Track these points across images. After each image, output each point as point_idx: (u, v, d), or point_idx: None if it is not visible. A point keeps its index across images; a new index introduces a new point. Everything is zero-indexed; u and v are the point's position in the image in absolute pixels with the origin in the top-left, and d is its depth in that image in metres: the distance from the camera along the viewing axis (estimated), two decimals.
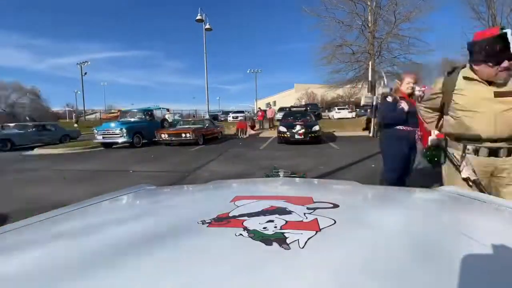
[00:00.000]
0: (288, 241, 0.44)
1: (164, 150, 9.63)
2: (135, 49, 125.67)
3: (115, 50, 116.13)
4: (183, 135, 10.52)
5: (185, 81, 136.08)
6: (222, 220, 0.55)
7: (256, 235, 0.47)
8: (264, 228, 0.50)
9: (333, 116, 26.05)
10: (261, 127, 18.40)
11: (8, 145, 10.96)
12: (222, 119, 27.20)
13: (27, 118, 16.93)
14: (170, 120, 13.83)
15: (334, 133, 14.81)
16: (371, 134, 11.69)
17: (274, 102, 50.38)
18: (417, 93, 2.74)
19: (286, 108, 21.02)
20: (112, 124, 10.88)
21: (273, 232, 0.48)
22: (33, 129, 12.38)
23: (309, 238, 0.45)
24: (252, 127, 16.71)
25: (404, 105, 2.61)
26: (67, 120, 33.68)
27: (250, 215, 0.58)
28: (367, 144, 9.98)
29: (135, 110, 12.53)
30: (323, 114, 26.16)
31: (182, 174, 5.40)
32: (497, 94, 1.41)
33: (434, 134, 1.92)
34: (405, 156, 2.67)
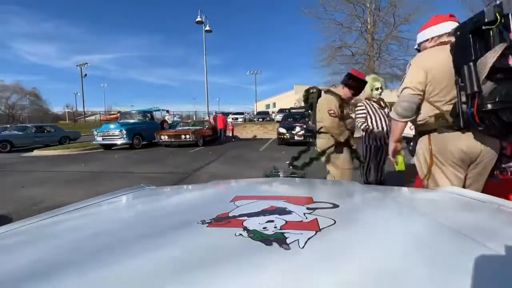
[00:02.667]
0: (288, 241, 0.44)
1: (164, 151, 9.62)
2: (136, 49, 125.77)
3: (115, 50, 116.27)
4: (183, 136, 10.51)
5: (185, 81, 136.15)
6: (222, 220, 0.55)
7: (256, 235, 0.46)
8: (264, 228, 0.50)
9: None
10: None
11: (8, 146, 10.94)
12: None
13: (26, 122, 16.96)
14: (170, 122, 13.84)
15: None
16: None
17: (274, 104, 50.46)
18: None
19: (285, 109, 21.06)
20: (112, 126, 10.87)
21: (273, 232, 0.48)
22: (33, 131, 12.36)
23: (309, 238, 0.45)
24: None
25: None
26: (66, 121, 33.67)
27: (250, 215, 0.58)
28: None
29: (135, 112, 12.53)
30: None
31: (182, 176, 5.39)
32: None
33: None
34: None
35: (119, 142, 10.33)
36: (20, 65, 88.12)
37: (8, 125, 13.67)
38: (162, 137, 10.79)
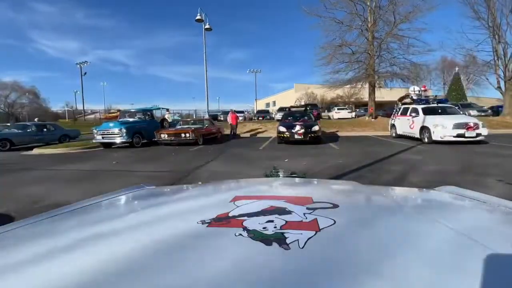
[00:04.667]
0: (288, 241, 0.44)
1: (164, 150, 9.62)
2: (134, 47, 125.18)
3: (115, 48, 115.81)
4: (183, 135, 10.51)
5: (186, 80, 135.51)
6: (222, 220, 0.55)
7: (256, 235, 0.46)
8: (264, 228, 0.50)
9: (332, 116, 26.13)
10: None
11: (7, 145, 10.94)
12: (222, 119, 27.23)
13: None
14: (169, 120, 13.82)
15: (333, 133, 14.86)
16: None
17: (274, 102, 50.39)
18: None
19: (285, 108, 21.03)
20: (111, 124, 10.86)
21: (272, 232, 0.48)
22: (32, 129, 12.35)
23: (309, 238, 0.45)
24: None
25: None
26: (66, 119, 33.69)
27: (250, 215, 0.58)
28: (366, 144, 9.98)
29: (135, 110, 12.52)
30: (322, 114, 26.23)
31: (182, 174, 5.39)
32: None
33: None
34: None
35: (118, 140, 10.32)
36: (20, 61, 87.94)
37: (9, 124, 13.69)
38: (162, 135, 10.78)
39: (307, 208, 0.61)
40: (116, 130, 10.38)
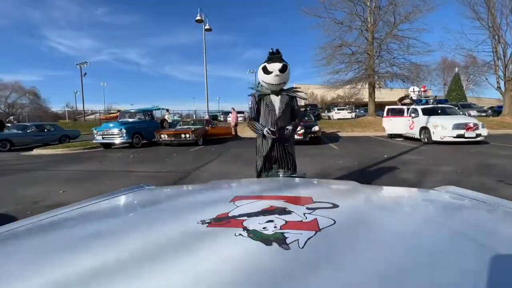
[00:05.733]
0: (287, 241, 0.44)
1: (163, 150, 9.62)
2: (134, 46, 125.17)
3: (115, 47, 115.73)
4: (183, 135, 10.51)
5: (186, 81, 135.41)
6: (221, 220, 0.55)
7: (256, 235, 0.46)
8: (264, 228, 0.50)
9: (332, 116, 26.17)
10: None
11: (7, 145, 10.94)
12: (222, 119, 27.27)
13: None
14: (169, 121, 13.83)
15: (333, 133, 14.87)
16: None
17: None
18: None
19: None
20: (111, 124, 10.87)
21: (272, 232, 0.48)
22: (32, 130, 12.35)
23: (308, 238, 0.45)
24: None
25: None
26: (66, 120, 33.72)
27: (250, 215, 0.58)
28: (366, 144, 9.98)
29: (135, 111, 12.52)
30: (322, 114, 26.27)
31: (182, 175, 5.39)
32: None
33: None
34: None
35: (118, 141, 10.32)
36: (19, 60, 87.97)
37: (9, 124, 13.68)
38: (162, 136, 10.78)
39: (307, 208, 0.61)
40: (116, 131, 10.38)
